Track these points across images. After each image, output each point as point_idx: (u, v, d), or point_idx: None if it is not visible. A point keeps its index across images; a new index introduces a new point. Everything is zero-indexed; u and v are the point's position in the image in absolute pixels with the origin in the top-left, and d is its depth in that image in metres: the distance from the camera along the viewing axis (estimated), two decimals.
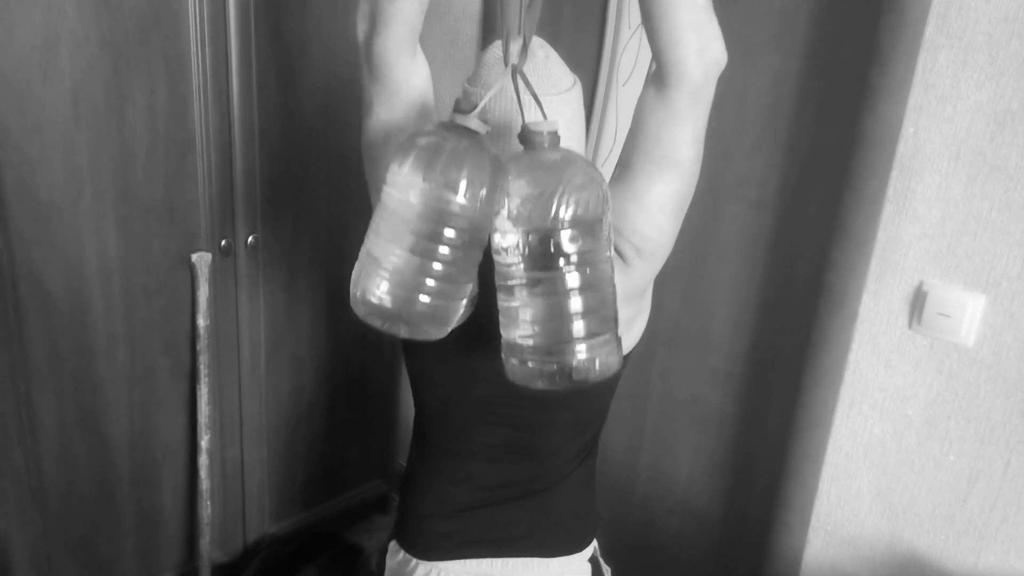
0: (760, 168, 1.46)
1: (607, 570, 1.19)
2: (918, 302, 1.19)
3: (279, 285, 1.67)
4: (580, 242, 0.78)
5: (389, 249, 0.78)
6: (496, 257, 0.83)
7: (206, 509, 1.62)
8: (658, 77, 0.86)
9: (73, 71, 1.29)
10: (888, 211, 1.19)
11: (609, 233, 0.82)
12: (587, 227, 0.78)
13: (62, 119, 1.29)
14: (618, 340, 0.83)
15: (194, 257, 1.50)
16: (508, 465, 1.07)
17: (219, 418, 1.65)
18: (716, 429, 1.62)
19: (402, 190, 0.77)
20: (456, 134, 0.77)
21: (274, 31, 1.50)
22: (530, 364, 0.81)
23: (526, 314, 0.80)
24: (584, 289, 0.79)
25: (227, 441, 1.68)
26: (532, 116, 0.88)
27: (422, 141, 0.77)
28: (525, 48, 0.86)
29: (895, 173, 1.18)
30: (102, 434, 1.50)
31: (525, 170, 0.79)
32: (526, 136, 0.81)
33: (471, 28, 1.78)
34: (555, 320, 0.79)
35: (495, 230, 0.82)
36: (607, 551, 1.18)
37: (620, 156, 0.97)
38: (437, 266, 0.78)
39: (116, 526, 1.56)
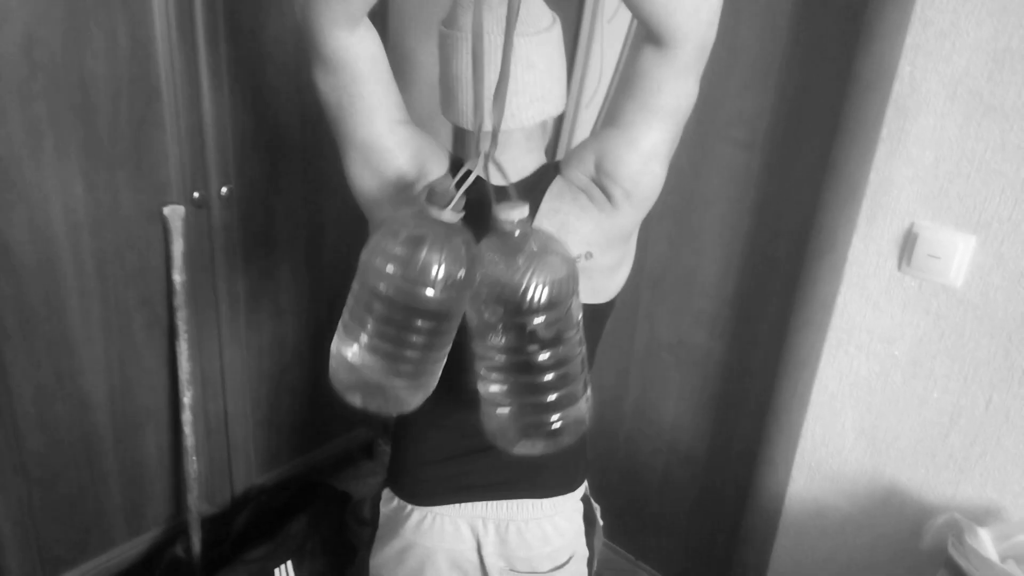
0: (750, 108, 1.44)
1: (597, 508, 1.22)
2: (908, 244, 1.19)
3: (256, 236, 1.62)
4: (552, 324, 0.81)
5: (362, 333, 0.82)
6: (472, 332, 0.86)
7: (192, 464, 1.61)
8: (657, 39, 0.84)
9: (24, 15, 1.19)
10: (881, 152, 1.18)
11: (578, 304, 0.85)
12: (558, 309, 0.81)
13: (16, 67, 1.21)
14: (587, 400, 0.88)
15: (166, 211, 1.44)
16: None
17: (200, 373, 1.61)
18: (702, 370, 1.64)
19: (374, 281, 0.80)
20: (429, 226, 0.80)
21: None
22: (507, 431, 0.87)
23: (501, 388, 0.85)
24: (556, 365, 0.82)
25: (210, 395, 1.66)
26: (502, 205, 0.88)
27: (395, 236, 0.80)
28: (495, 137, 0.87)
29: (890, 113, 1.16)
30: (80, 394, 1.46)
31: (496, 257, 0.81)
32: (496, 225, 0.82)
33: None
34: (529, 395, 0.83)
35: (469, 312, 0.85)
36: (594, 488, 1.20)
37: (612, 101, 0.94)
38: (409, 352, 0.82)
39: (101, 485, 1.54)
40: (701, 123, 1.38)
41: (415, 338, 0.81)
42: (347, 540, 1.78)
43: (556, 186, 0.98)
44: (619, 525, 1.25)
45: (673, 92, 0.88)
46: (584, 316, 1.05)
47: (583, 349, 0.87)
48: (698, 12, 0.81)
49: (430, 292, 0.79)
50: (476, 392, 1.08)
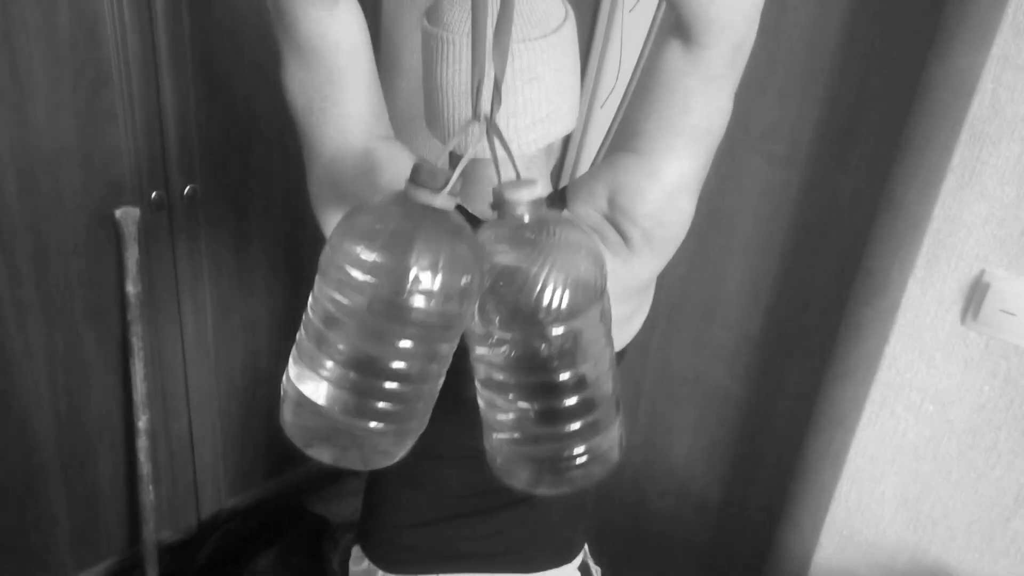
0: (790, 117, 1.24)
1: (596, 571, 1.07)
2: (976, 295, 1.00)
3: (225, 241, 1.45)
4: (575, 334, 0.62)
5: (327, 361, 0.60)
6: (471, 344, 0.66)
7: (148, 495, 1.45)
8: (686, 33, 0.67)
9: None
10: (950, 184, 0.99)
11: (607, 306, 0.66)
12: (583, 314, 0.62)
13: None
14: (620, 426, 0.69)
15: (118, 213, 1.27)
16: (489, 471, 0.92)
17: (161, 392, 1.46)
18: (719, 410, 1.46)
19: (343, 292, 0.59)
20: (418, 216, 0.58)
21: None
22: (518, 468, 0.68)
23: (513, 418, 0.66)
24: (582, 387, 0.65)
25: (172, 415, 1.50)
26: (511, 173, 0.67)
27: (370, 230, 0.58)
28: (498, 92, 0.64)
29: (964, 138, 0.97)
30: (20, 416, 1.30)
31: (504, 251, 0.61)
32: (501, 205, 0.62)
33: None
34: (549, 425, 0.65)
35: (470, 323, 0.64)
36: (594, 532, 1.04)
37: (628, 117, 0.78)
38: (392, 386, 0.60)
39: (46, 514, 1.40)
40: (730, 131, 1.19)
41: (400, 366, 0.60)
42: (325, 572, 1.63)
43: None
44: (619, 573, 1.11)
45: (703, 109, 0.72)
46: None
47: (613, 360, 0.68)
48: (741, 2, 0.66)
49: (421, 305, 0.58)
50: (464, 447, 0.93)
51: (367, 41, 0.77)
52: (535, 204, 0.62)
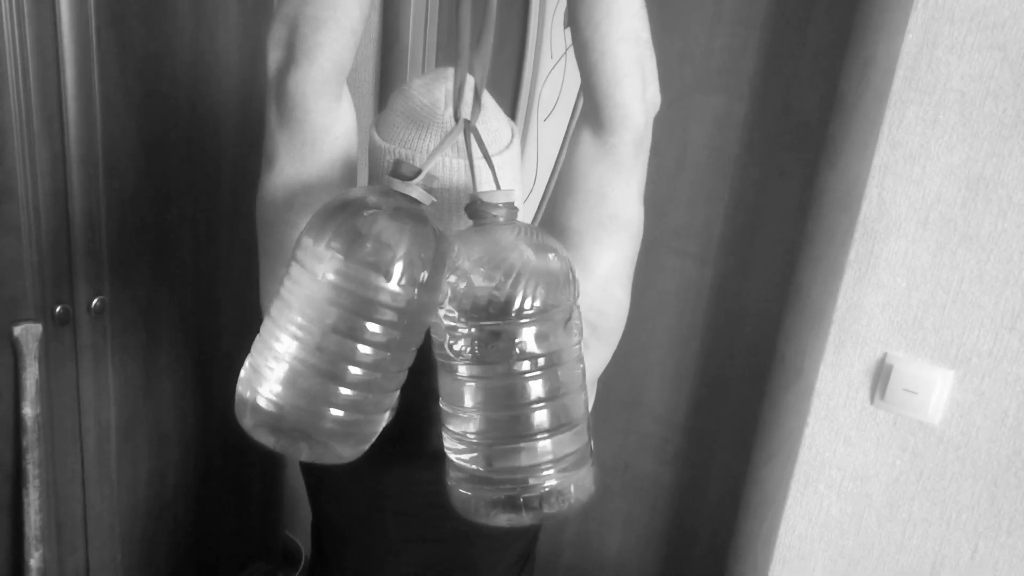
0: (701, 218, 1.34)
1: None
2: (881, 376, 1.09)
3: (133, 355, 1.36)
4: (546, 339, 0.63)
5: (292, 344, 0.61)
6: (437, 353, 0.67)
7: None
8: (595, 122, 0.76)
9: None
10: (849, 277, 1.09)
11: (579, 321, 0.68)
12: (554, 319, 0.64)
13: None
14: (592, 454, 0.68)
15: (17, 330, 1.18)
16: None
17: (55, 524, 1.32)
18: (651, 499, 1.49)
19: (315, 269, 0.60)
20: (392, 203, 0.62)
21: (123, 44, 1.20)
22: (486, 495, 0.64)
23: (478, 430, 0.64)
24: (552, 397, 0.64)
25: (67, 548, 1.35)
26: (483, 183, 0.74)
27: (346, 208, 0.61)
28: (478, 99, 0.71)
29: (858, 235, 1.08)
30: None
31: (476, 251, 0.64)
32: (477, 209, 0.66)
33: (365, 74, 1.54)
34: (516, 439, 0.63)
35: (437, 322, 0.65)
36: None
37: (554, 219, 0.84)
38: (355, 371, 0.61)
39: None
40: (646, 231, 1.28)
41: (359, 353, 0.60)
42: None
43: None
44: None
45: (619, 199, 0.79)
46: None
47: (587, 395, 0.68)
48: (643, 95, 0.75)
49: (383, 282, 0.59)
50: (408, 564, 0.90)
51: (355, 140, 0.79)
52: (509, 209, 0.65)
